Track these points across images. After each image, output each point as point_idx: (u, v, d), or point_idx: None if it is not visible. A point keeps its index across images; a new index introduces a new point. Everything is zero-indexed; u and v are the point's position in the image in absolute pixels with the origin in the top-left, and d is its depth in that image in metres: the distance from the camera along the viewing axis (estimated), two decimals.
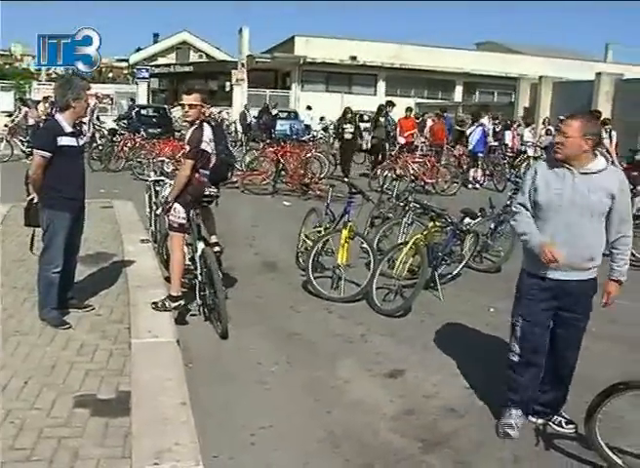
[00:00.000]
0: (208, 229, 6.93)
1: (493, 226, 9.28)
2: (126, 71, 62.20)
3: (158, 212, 7.96)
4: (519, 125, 22.96)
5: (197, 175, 6.33)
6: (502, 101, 35.85)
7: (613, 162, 13.46)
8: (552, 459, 4.32)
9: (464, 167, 18.71)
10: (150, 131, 22.13)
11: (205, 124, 6.42)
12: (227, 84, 41.41)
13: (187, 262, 7.19)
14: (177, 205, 6.30)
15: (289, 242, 9.45)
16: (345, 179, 11.64)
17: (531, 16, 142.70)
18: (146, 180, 10.58)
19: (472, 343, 6.24)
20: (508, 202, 8.80)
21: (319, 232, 8.47)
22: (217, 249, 6.71)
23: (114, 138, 19.84)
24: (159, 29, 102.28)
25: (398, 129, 19.16)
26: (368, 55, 41.15)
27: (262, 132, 27.66)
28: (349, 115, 18.69)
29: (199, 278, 6.49)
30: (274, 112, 30.11)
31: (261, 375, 5.39)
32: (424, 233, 7.60)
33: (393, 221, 9.25)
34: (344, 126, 18.38)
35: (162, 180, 9.14)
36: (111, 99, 36.88)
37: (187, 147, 6.40)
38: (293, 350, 6.02)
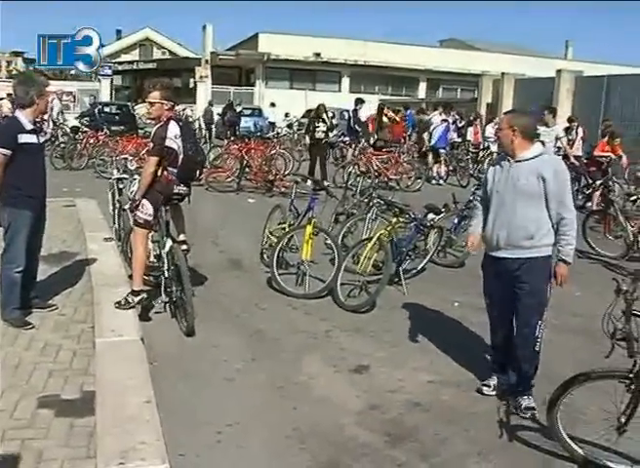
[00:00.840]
0: (177, 227, 6.88)
1: (456, 221, 9.38)
2: None
3: (126, 206, 7.88)
4: (480, 121, 23.11)
5: (165, 172, 6.27)
6: (465, 98, 36.05)
7: (567, 156, 13.75)
8: (516, 450, 4.39)
9: (430, 160, 18.88)
10: (113, 128, 21.82)
11: (172, 121, 6.32)
12: (191, 81, 41.20)
13: (153, 259, 7.16)
14: (145, 201, 6.25)
15: (253, 239, 9.44)
16: (308, 176, 11.55)
17: (493, 14, 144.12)
18: (110, 178, 10.49)
19: (437, 337, 6.29)
20: (471, 197, 8.90)
21: (283, 229, 8.46)
22: (184, 247, 6.68)
23: (77, 136, 19.61)
24: (122, 26, 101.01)
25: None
26: (332, 51, 41.12)
27: (227, 129, 27.57)
28: (322, 112, 16.67)
29: (165, 274, 6.45)
30: (238, 109, 30.03)
31: (227, 372, 5.40)
32: (388, 229, 7.64)
33: (357, 217, 9.30)
34: (317, 124, 16.45)
35: (125, 178, 9.07)
36: (74, 97, 36.33)
37: (151, 144, 6.35)
38: (258, 347, 6.03)
